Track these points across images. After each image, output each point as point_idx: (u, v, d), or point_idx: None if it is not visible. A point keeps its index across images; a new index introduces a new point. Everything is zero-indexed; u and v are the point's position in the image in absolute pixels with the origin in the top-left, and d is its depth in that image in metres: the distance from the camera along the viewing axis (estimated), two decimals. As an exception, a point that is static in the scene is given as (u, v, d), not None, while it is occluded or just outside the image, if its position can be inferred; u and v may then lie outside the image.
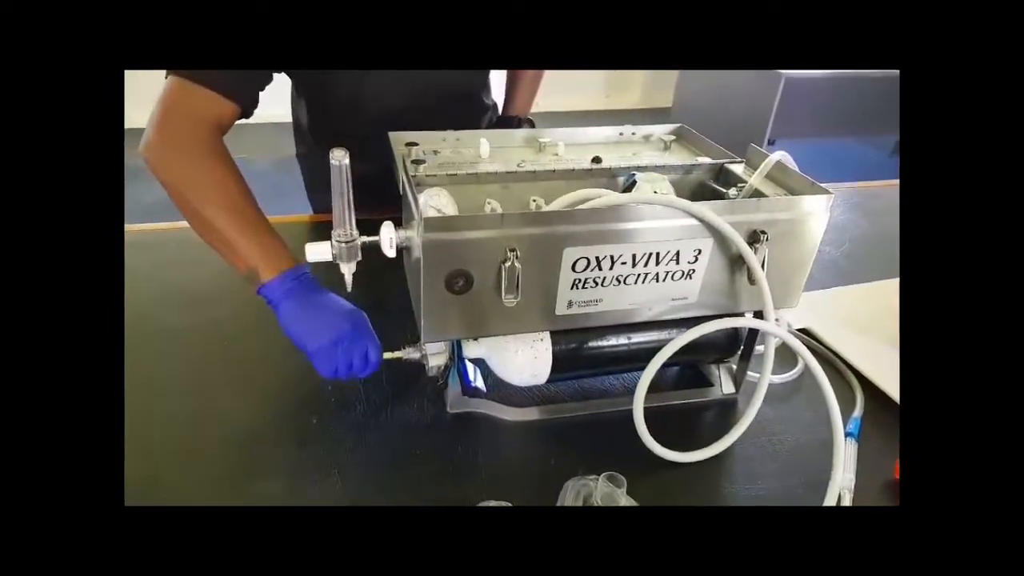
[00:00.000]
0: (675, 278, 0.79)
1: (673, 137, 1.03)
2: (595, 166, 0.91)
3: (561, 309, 0.78)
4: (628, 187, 0.86)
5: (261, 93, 0.94)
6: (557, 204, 0.75)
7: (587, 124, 1.03)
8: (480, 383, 0.87)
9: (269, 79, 0.97)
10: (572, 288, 0.76)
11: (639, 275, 0.77)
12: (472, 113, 1.31)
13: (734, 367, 0.96)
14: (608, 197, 0.73)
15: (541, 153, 0.97)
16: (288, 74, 1.11)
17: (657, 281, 0.79)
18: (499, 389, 0.90)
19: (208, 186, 0.83)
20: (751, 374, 0.94)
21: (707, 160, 0.95)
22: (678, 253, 0.77)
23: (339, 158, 0.71)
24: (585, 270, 0.75)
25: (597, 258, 0.74)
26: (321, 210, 1.40)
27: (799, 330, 1.08)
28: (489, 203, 0.87)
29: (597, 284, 0.77)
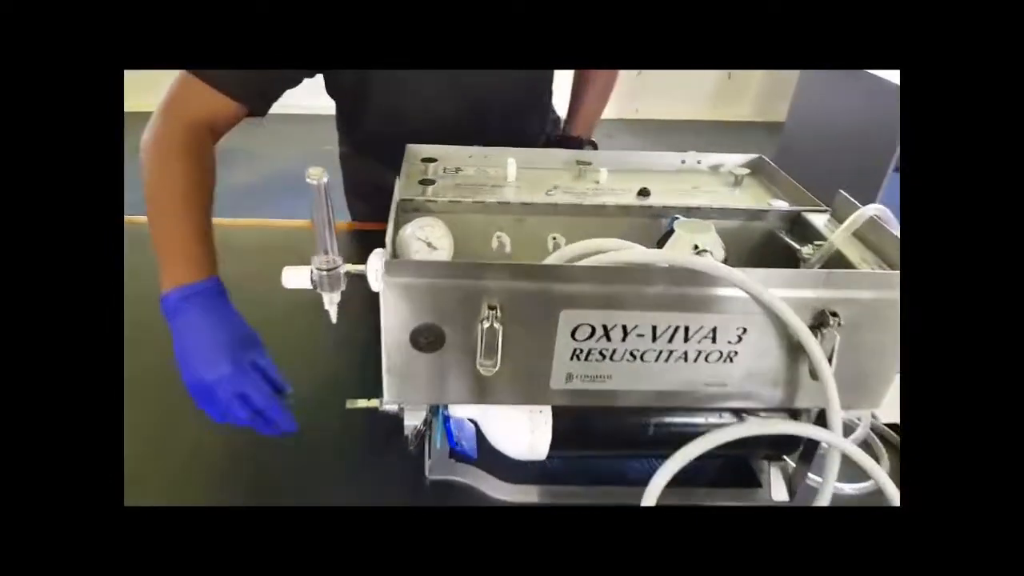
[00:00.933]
0: (710, 360, 0.62)
1: (747, 171, 0.84)
2: (637, 201, 0.75)
3: (558, 383, 0.62)
4: (665, 236, 0.69)
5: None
6: (557, 257, 0.59)
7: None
8: (469, 446, 0.73)
9: (295, 81, 0.89)
10: (572, 359, 0.61)
11: (661, 352, 0.61)
12: (529, 127, 1.17)
13: (791, 467, 0.77)
14: (622, 253, 0.57)
15: (579, 179, 0.81)
16: (324, 75, 1.01)
17: (686, 361, 0.62)
18: (492, 456, 0.76)
19: (163, 187, 0.75)
20: (812, 478, 0.75)
21: (782, 205, 0.76)
22: (715, 330, 0.60)
23: (316, 176, 0.58)
24: (589, 339, 0.59)
25: (605, 326, 0.59)
26: (358, 218, 1.30)
27: (889, 425, 0.87)
28: (498, 237, 0.72)
29: (605, 357, 0.61)
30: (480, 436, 0.74)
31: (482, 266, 0.55)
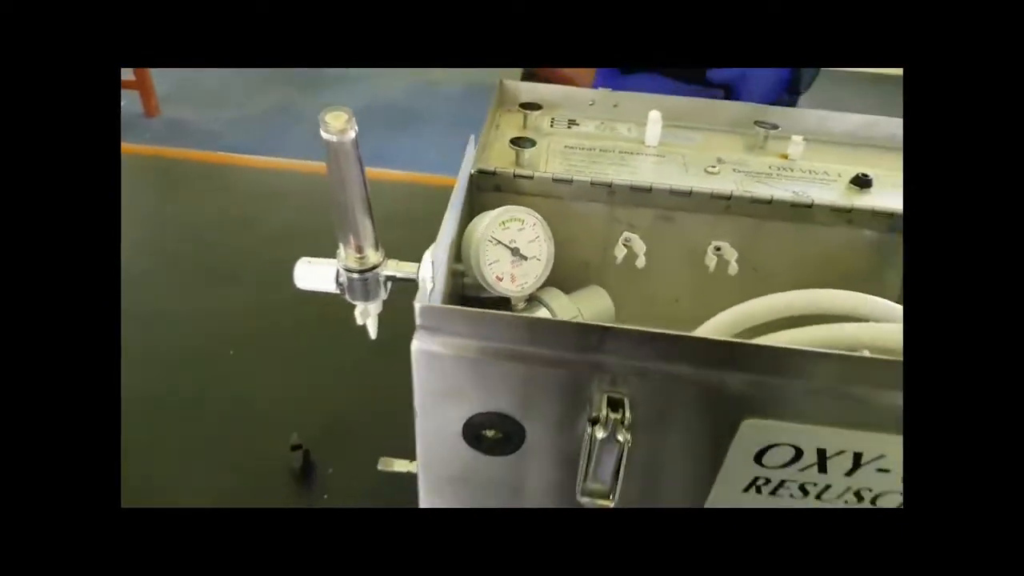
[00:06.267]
0: (1001, 515, 0.34)
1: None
2: (853, 200, 0.46)
3: (712, 519, 0.36)
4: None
5: None
6: (743, 314, 0.32)
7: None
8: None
9: None
10: (748, 491, 0.34)
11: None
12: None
13: None
14: (876, 329, 0.30)
15: (759, 150, 0.52)
16: None
17: (954, 513, 0.34)
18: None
19: None
20: None
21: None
22: None
23: (336, 129, 0.34)
24: (788, 466, 0.32)
25: (822, 452, 0.32)
26: None
27: None
28: (626, 243, 0.46)
29: (808, 494, 0.34)
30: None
31: (605, 331, 0.29)
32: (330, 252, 0.43)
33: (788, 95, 0.89)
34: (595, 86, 0.66)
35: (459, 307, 0.30)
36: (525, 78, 0.76)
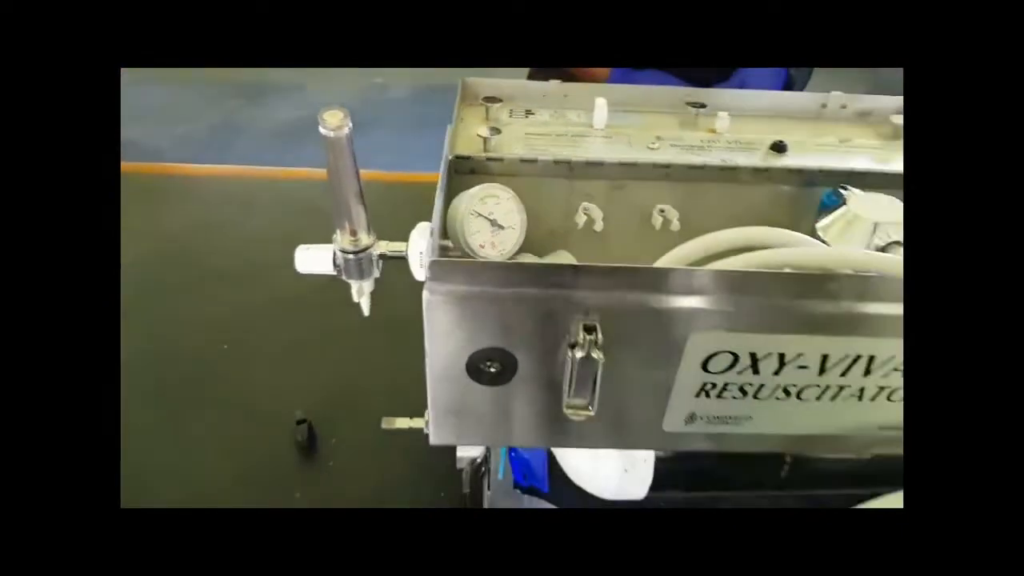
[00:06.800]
0: (895, 398, 0.43)
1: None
2: (775, 161, 0.54)
3: (674, 424, 0.44)
4: (823, 213, 0.49)
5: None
6: (683, 254, 0.40)
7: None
8: (540, 475, 0.57)
9: None
10: (699, 396, 0.42)
11: (828, 388, 0.42)
12: None
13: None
14: (781, 253, 0.38)
15: (691, 127, 0.61)
16: None
17: (860, 400, 0.43)
18: (567, 486, 0.59)
19: None
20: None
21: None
22: (915, 363, 0.40)
23: (334, 126, 0.41)
24: (728, 371, 0.41)
25: (753, 355, 0.40)
26: None
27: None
28: (585, 211, 0.53)
29: (747, 394, 0.42)
30: (553, 462, 0.57)
31: (576, 269, 0.37)
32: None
33: None
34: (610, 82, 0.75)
35: (460, 259, 0.38)
36: (531, 77, 0.84)
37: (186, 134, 2.85)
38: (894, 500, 0.47)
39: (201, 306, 0.82)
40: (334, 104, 0.42)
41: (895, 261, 0.39)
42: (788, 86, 0.92)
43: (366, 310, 0.53)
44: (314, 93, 3.27)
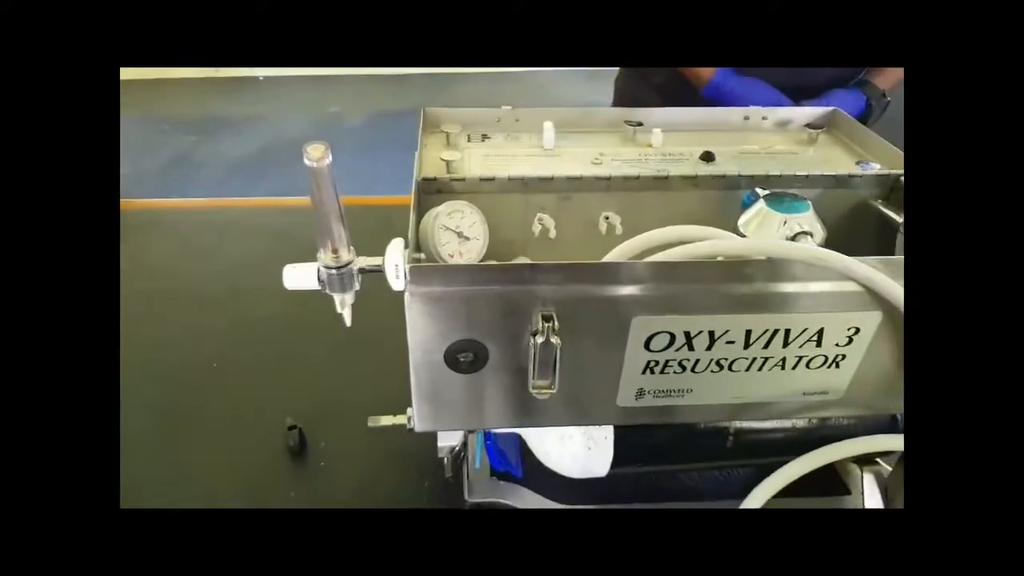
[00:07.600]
0: (813, 366, 0.50)
1: (822, 128, 0.71)
2: (704, 169, 0.62)
3: (626, 400, 0.51)
4: (745, 210, 0.57)
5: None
6: (623, 251, 0.47)
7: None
8: (513, 462, 0.63)
9: None
10: (645, 373, 0.49)
11: (755, 360, 0.49)
12: None
13: (885, 471, 0.66)
14: (705, 245, 0.45)
15: (629, 143, 0.69)
16: None
17: (783, 369, 0.50)
18: (539, 472, 0.65)
19: None
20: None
21: (874, 167, 0.64)
22: (821, 333, 0.48)
23: (317, 158, 0.47)
24: (667, 349, 0.48)
25: (687, 333, 0.47)
26: None
27: None
28: (540, 220, 0.60)
29: (686, 369, 0.49)
30: (525, 450, 0.63)
31: (533, 268, 0.44)
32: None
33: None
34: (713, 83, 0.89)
35: (436, 264, 0.44)
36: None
37: (137, 172, 2.86)
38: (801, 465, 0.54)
39: (188, 328, 0.86)
40: (315, 141, 0.48)
41: (800, 247, 0.46)
42: (865, 115, 0.97)
43: (348, 322, 0.59)
44: (267, 127, 3.32)
